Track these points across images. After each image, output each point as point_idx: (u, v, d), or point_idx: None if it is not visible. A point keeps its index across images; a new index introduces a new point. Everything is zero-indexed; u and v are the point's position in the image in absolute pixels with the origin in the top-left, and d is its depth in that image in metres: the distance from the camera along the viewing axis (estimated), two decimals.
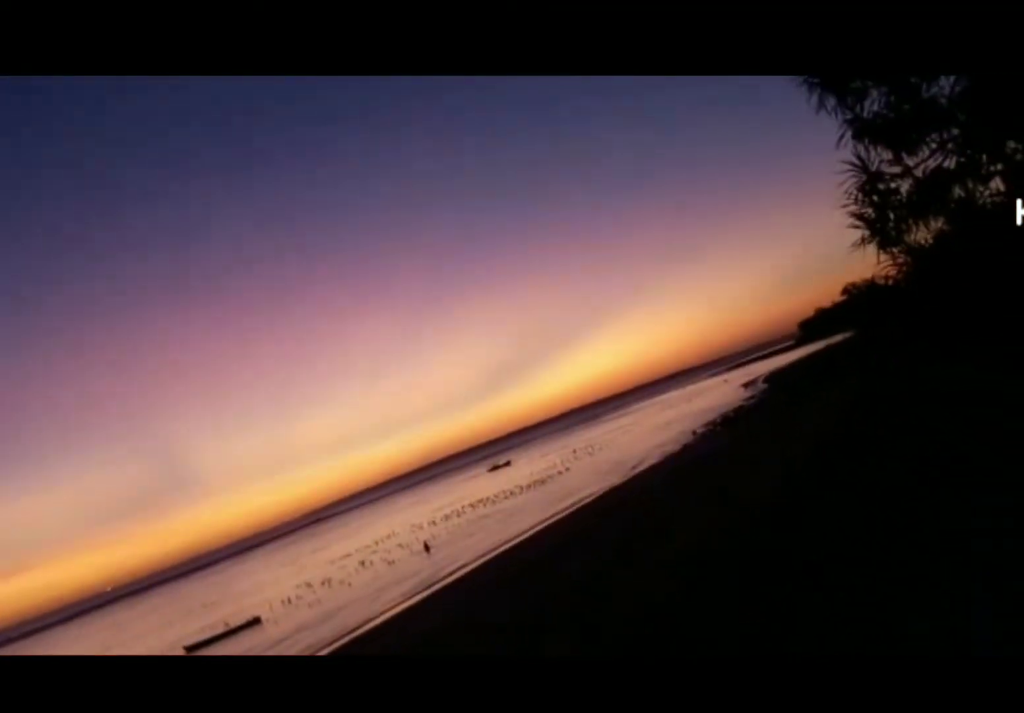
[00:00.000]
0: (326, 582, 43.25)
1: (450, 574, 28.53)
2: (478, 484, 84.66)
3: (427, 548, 39.96)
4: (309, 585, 45.11)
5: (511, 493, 53.99)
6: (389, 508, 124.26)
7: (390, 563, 40.48)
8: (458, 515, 53.93)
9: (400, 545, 48.56)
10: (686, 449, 37.54)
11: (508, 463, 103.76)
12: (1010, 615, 4.17)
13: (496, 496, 56.32)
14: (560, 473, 55.56)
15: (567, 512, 32.28)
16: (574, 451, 75.45)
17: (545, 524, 31.27)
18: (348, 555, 57.95)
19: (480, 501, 57.49)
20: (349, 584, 38.38)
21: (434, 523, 55.19)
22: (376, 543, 58.41)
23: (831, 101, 10.70)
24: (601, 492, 34.37)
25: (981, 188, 10.32)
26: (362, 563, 46.24)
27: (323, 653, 22.74)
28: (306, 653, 23.80)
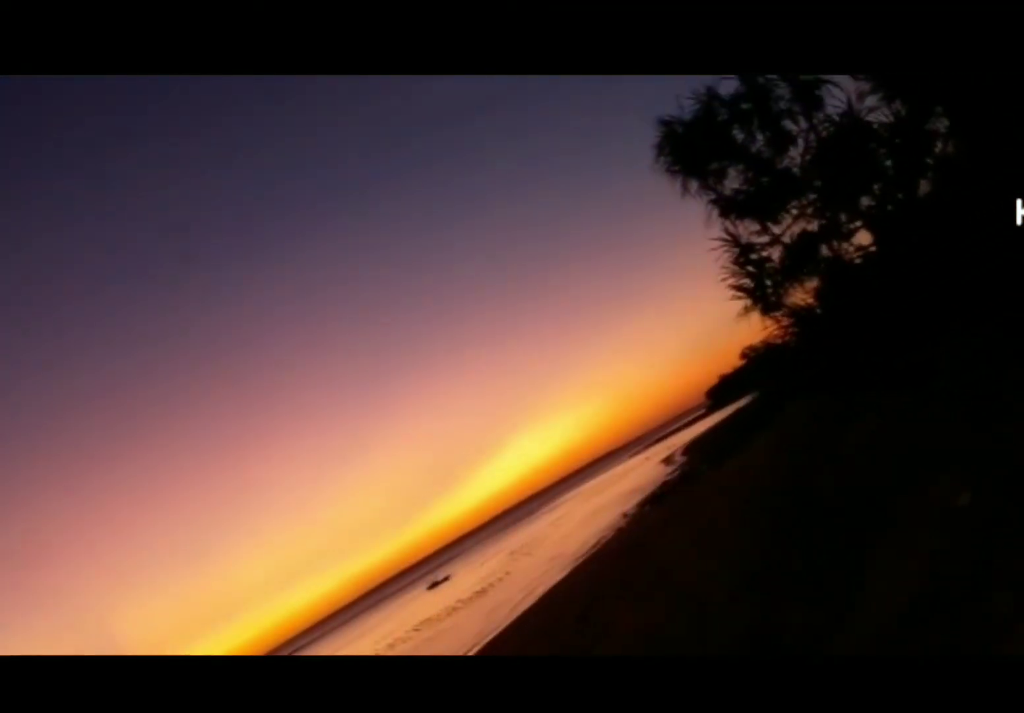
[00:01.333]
0: None
1: None
2: (419, 605, 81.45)
3: None
4: None
5: (454, 609, 52.18)
6: (329, 647, 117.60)
7: None
8: (404, 641, 51.51)
9: None
10: (619, 533, 37.39)
11: (447, 578, 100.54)
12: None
13: (441, 614, 54.28)
14: (500, 579, 54.20)
15: (515, 615, 31.39)
16: (511, 553, 73.96)
17: (494, 633, 30.26)
18: None
19: (425, 622, 55.22)
20: None
21: (380, 653, 52.42)
22: None
23: (693, 184, 11.49)
24: (543, 590, 33.63)
25: (845, 244, 11.13)
26: None
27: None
28: None
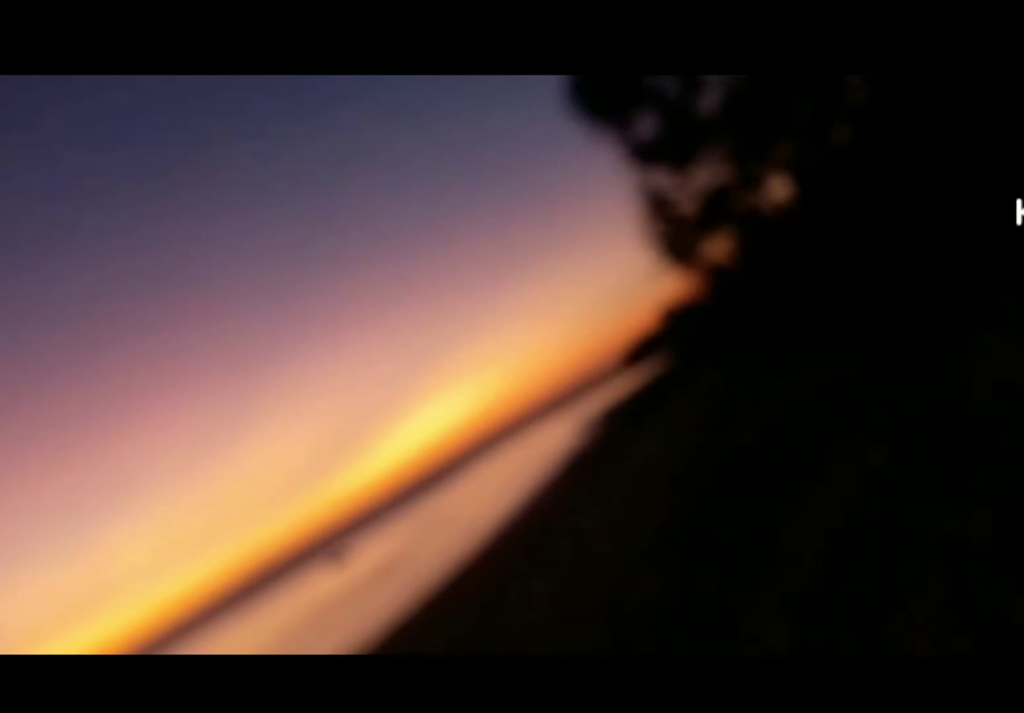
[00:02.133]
0: None
1: None
2: (322, 584, 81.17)
3: None
4: None
5: (360, 587, 52.19)
6: (221, 636, 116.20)
7: None
8: (303, 626, 51.30)
9: None
10: (533, 502, 37.95)
11: (347, 553, 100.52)
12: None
13: (343, 593, 54.24)
14: (408, 553, 54.46)
15: (425, 592, 31.62)
16: (421, 525, 74.35)
17: (402, 610, 30.43)
18: None
19: (326, 603, 55.10)
20: None
21: (281, 639, 52.13)
22: None
23: (605, 130, 11.46)
24: (454, 563, 33.95)
25: (760, 197, 11.36)
26: None
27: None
28: None
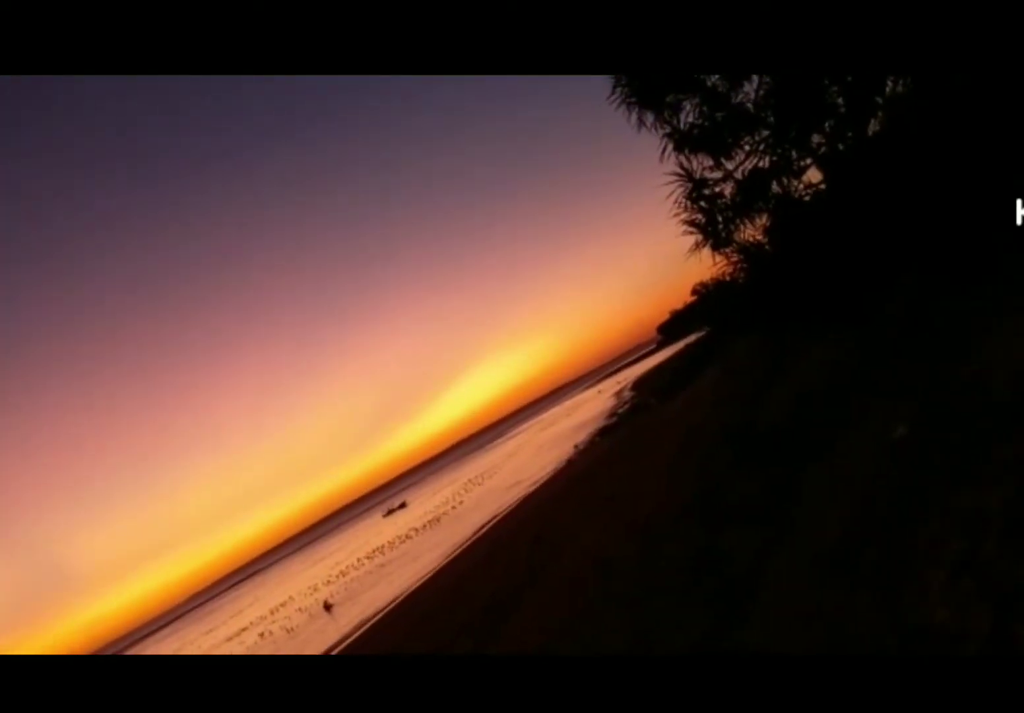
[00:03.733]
0: None
1: (356, 629, 27.56)
2: (375, 531, 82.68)
3: (328, 608, 38.46)
4: None
5: (408, 536, 53.03)
6: (286, 571, 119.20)
7: (290, 630, 38.68)
8: (357, 568, 52.36)
9: (300, 609, 46.54)
10: (571, 464, 38.08)
11: (403, 505, 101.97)
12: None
13: (395, 541, 55.17)
14: (454, 507, 55.11)
15: (466, 543, 32.02)
16: (467, 481, 75.10)
17: (447, 559, 30.88)
18: (244, 629, 54.99)
19: (379, 549, 56.12)
20: None
21: (334, 580, 53.31)
22: (274, 612, 55.74)
23: (649, 118, 11.25)
24: (495, 518, 34.30)
25: (796, 182, 11.08)
26: (261, 635, 43.96)
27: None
28: None
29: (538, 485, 37.92)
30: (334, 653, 25.25)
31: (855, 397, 7.70)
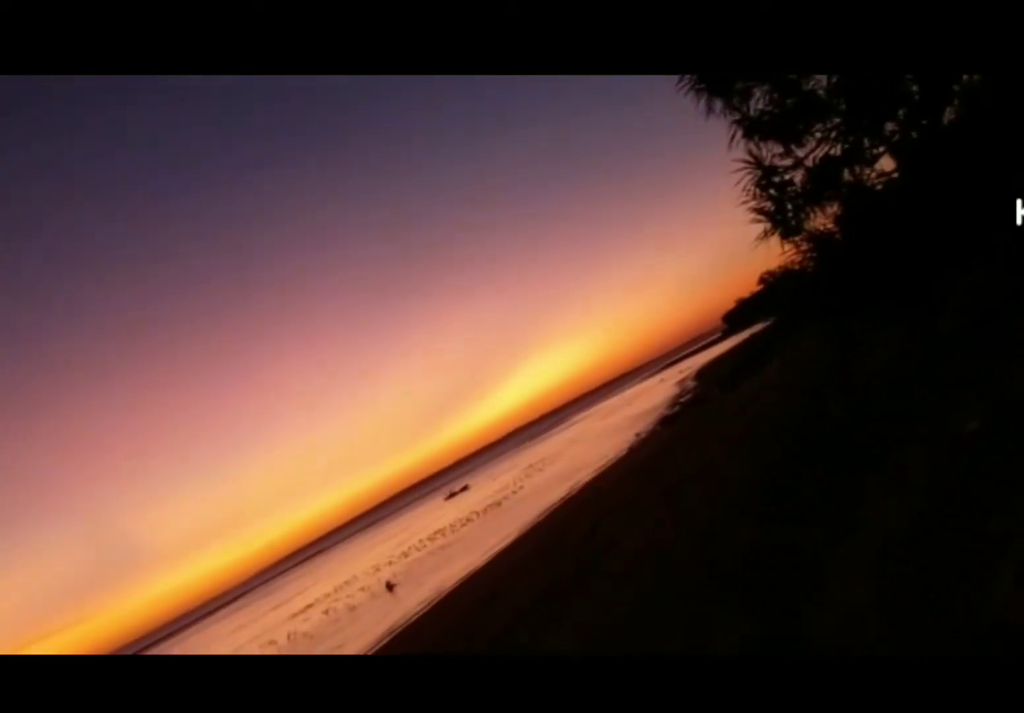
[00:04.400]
0: (291, 636, 41.99)
1: (417, 608, 28.10)
2: (437, 514, 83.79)
3: (390, 587, 39.25)
4: (272, 642, 43.70)
5: (469, 519, 53.62)
6: (349, 551, 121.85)
7: (353, 609, 39.61)
8: (419, 549, 53.23)
9: (362, 588, 47.59)
10: (631, 452, 37.91)
11: (465, 488, 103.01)
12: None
13: (455, 524, 55.86)
14: (514, 492, 55.46)
15: (526, 528, 32.23)
16: (528, 467, 75.41)
17: (507, 543, 31.15)
18: (310, 605, 56.51)
19: (440, 531, 56.91)
20: (311, 636, 37.40)
21: (396, 561, 54.33)
22: (337, 590, 57.11)
23: (718, 104, 11.06)
24: (554, 505, 34.43)
25: (868, 170, 10.78)
26: (325, 612, 45.13)
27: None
28: None
29: (598, 473, 37.88)
30: (395, 633, 25.82)
31: (921, 390, 7.52)
